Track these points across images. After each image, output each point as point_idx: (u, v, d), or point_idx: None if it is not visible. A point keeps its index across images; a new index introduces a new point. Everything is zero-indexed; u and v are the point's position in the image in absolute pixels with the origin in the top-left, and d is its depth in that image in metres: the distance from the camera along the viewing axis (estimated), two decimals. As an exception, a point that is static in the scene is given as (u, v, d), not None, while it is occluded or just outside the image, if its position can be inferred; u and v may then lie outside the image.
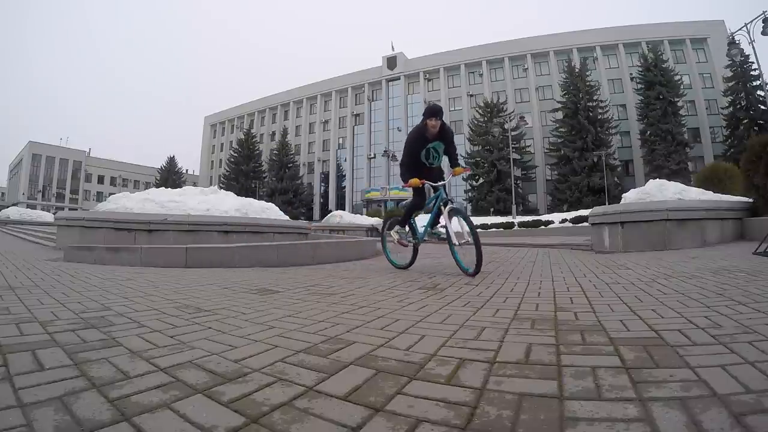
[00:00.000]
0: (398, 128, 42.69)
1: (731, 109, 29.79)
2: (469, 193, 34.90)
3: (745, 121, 28.73)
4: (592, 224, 6.02)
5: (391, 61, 45.70)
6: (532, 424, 0.73)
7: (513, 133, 32.59)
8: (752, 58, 24.62)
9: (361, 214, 24.92)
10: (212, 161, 58.23)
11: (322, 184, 49.06)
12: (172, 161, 55.54)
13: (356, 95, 48.27)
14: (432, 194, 3.48)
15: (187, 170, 60.95)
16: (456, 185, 34.23)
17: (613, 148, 32.82)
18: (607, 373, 0.95)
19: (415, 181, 3.34)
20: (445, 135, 3.41)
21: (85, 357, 1.12)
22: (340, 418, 0.77)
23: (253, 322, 1.62)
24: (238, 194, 7.88)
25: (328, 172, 48.35)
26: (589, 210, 7.12)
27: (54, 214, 14.69)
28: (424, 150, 3.40)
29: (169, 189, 7.19)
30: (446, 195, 3.33)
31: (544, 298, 2.08)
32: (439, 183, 3.38)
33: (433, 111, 3.27)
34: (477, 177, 33.59)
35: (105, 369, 1.03)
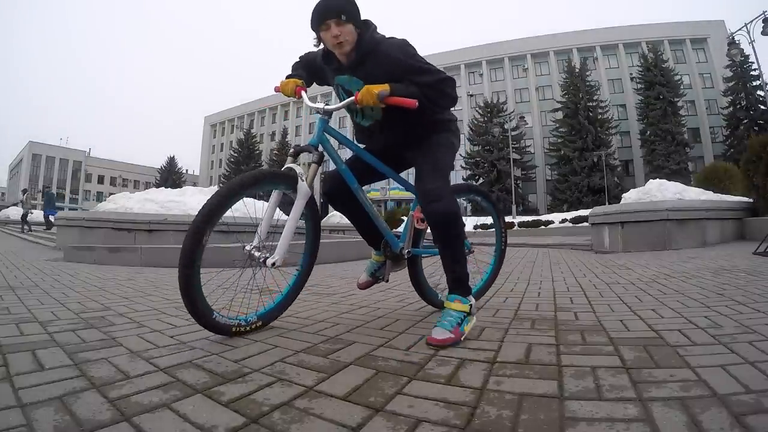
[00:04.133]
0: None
1: (731, 109, 29.77)
2: (469, 194, 34.81)
3: (745, 121, 28.73)
4: (592, 224, 6.03)
5: (391, 61, 45.70)
6: (532, 424, 0.73)
7: (513, 133, 32.54)
8: (752, 58, 24.58)
9: (361, 214, 24.86)
10: (212, 161, 58.18)
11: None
12: (172, 161, 55.45)
13: (356, 95, 48.29)
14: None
15: (187, 170, 60.82)
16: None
17: (613, 148, 32.81)
18: (607, 373, 0.95)
19: (286, 85, 1.65)
20: (375, 59, 1.41)
21: (85, 357, 1.12)
22: (340, 418, 0.77)
23: (253, 322, 1.61)
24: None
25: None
26: (589, 210, 7.14)
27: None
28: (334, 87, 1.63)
29: (169, 189, 7.18)
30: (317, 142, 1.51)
31: (544, 298, 2.08)
32: (317, 104, 1.57)
33: (318, 11, 1.36)
34: (477, 177, 33.57)
35: (105, 369, 1.02)
